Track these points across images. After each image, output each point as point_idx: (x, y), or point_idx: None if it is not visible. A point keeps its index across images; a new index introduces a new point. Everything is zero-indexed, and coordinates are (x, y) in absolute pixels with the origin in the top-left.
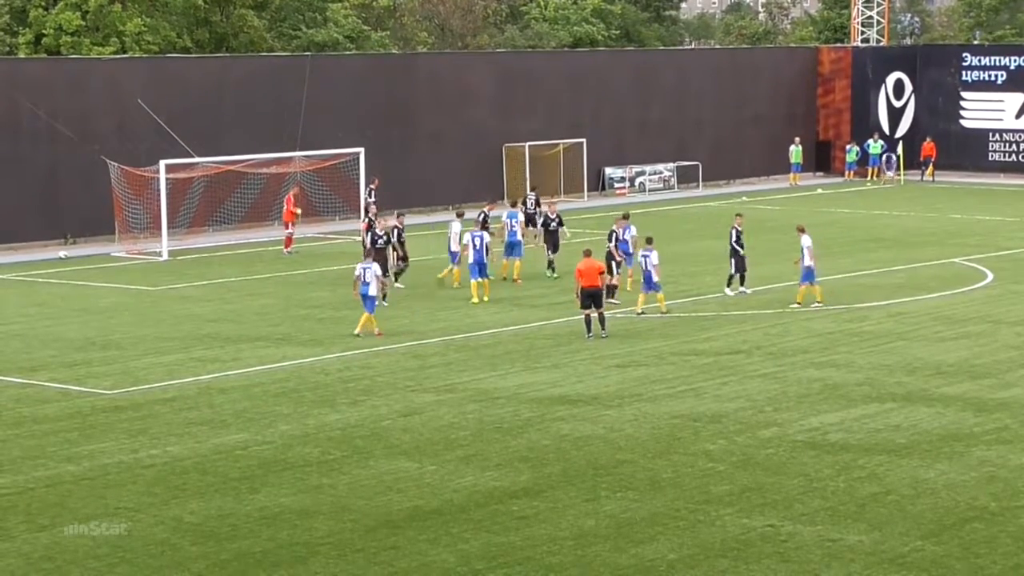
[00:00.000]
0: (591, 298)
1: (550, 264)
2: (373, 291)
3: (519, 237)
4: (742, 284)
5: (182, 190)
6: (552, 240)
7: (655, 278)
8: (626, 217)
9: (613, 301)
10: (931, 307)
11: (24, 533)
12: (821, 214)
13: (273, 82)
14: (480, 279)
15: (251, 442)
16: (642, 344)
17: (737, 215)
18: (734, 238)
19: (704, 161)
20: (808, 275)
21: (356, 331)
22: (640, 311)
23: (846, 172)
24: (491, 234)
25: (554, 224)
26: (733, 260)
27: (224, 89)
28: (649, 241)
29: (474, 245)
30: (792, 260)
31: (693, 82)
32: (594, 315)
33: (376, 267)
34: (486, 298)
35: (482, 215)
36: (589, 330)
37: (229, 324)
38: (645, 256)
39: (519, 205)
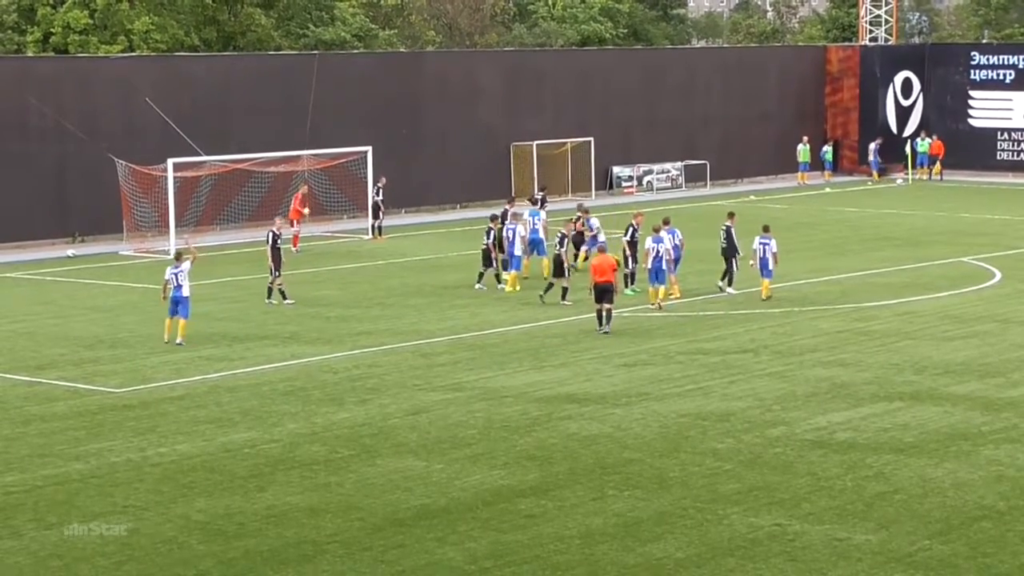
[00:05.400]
0: (603, 293)
1: (632, 276)
2: (187, 292)
3: (541, 235)
4: (725, 280)
5: (190, 188)
6: (633, 253)
7: (771, 265)
8: (667, 222)
9: (628, 292)
10: (939, 306)
11: (32, 531)
12: (829, 213)
13: (281, 81)
14: (514, 271)
15: (259, 440)
16: (650, 343)
17: (730, 214)
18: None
19: (712, 160)
20: (656, 276)
21: (178, 339)
22: (766, 296)
23: (824, 172)
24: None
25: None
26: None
27: (232, 87)
28: (766, 229)
29: (508, 238)
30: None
31: (701, 81)
32: (604, 309)
33: (187, 266)
34: (517, 287)
35: (505, 212)
36: (600, 324)
37: (237, 323)
38: (764, 244)
39: (540, 204)
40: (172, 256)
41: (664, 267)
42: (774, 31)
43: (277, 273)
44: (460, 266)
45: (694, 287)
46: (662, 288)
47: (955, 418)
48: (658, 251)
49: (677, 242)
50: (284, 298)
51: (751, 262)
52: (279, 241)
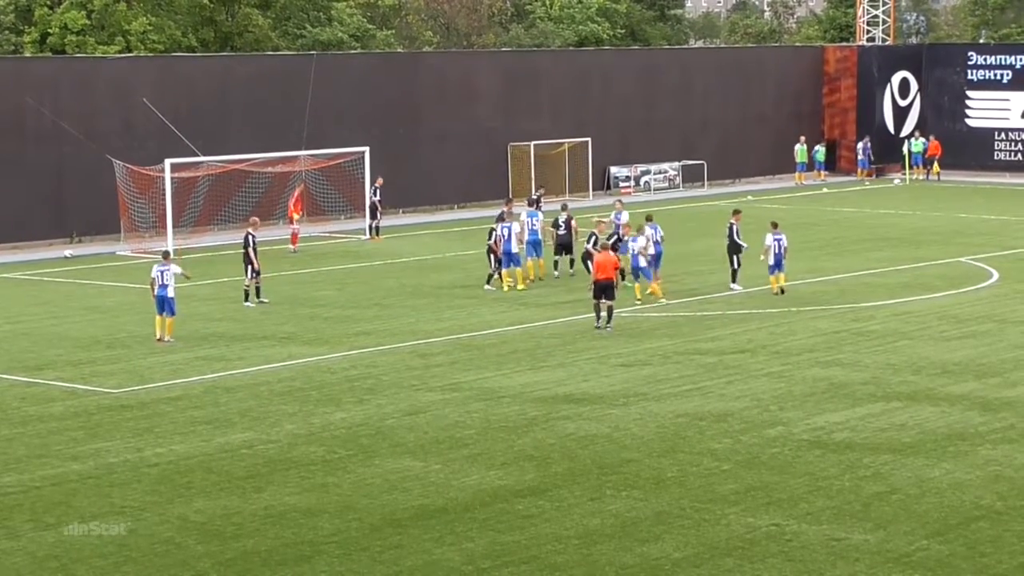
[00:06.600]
0: (603, 290)
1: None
2: (172, 292)
3: (540, 236)
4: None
5: (187, 189)
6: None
7: (784, 260)
8: (649, 219)
9: (625, 284)
10: (937, 306)
11: (30, 532)
12: (827, 213)
13: (278, 81)
14: (512, 268)
15: (256, 441)
16: (647, 343)
17: (735, 211)
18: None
19: (709, 160)
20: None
21: (167, 337)
22: (779, 291)
23: (816, 171)
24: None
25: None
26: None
27: (229, 88)
28: (775, 226)
29: (504, 237)
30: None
31: (698, 81)
32: (604, 306)
33: (175, 267)
34: (520, 286)
35: (502, 214)
36: (598, 319)
37: (234, 323)
38: (777, 239)
39: (537, 205)
40: (160, 256)
41: (643, 264)
42: (771, 31)
43: (255, 273)
44: (458, 266)
45: (694, 287)
46: (651, 284)
47: (952, 418)
48: (634, 250)
49: (658, 238)
50: (246, 298)
51: (761, 256)
52: (255, 241)
